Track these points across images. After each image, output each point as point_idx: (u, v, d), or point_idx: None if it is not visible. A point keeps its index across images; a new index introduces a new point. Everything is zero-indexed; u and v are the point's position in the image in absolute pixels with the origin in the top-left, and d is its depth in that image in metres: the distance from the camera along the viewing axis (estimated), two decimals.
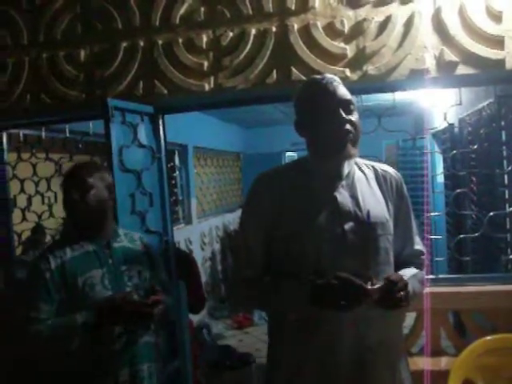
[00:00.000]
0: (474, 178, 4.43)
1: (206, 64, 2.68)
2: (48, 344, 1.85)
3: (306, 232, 1.58)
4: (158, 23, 2.72)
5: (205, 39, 2.68)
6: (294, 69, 2.57)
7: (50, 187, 3.35)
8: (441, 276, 3.01)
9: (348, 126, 1.58)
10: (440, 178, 5.62)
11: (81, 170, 2.05)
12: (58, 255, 1.95)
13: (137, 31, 2.75)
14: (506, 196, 3.38)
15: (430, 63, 2.48)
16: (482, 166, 4.05)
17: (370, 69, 2.52)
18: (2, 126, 3.14)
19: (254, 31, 2.62)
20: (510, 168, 3.04)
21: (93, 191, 1.98)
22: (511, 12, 2.39)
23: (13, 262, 3.25)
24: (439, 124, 3.82)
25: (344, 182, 1.65)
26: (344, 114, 1.58)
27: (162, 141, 2.92)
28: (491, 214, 3.02)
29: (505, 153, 3.31)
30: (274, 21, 2.61)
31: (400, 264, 1.70)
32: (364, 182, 1.69)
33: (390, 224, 1.67)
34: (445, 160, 5.38)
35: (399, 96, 2.93)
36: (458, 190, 3.58)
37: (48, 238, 4.09)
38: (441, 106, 3.37)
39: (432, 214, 3.29)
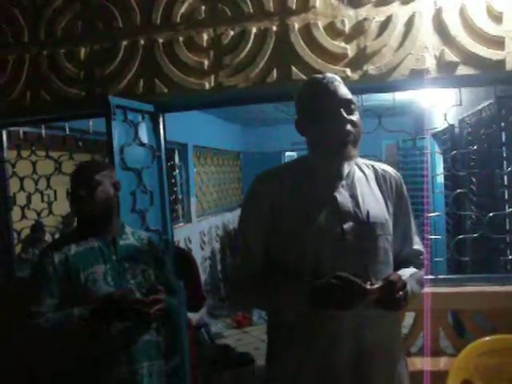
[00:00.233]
0: (473, 179, 4.43)
1: (206, 63, 2.68)
2: (46, 337, 1.86)
3: (305, 231, 1.57)
4: (158, 22, 2.72)
5: (205, 38, 2.68)
6: (294, 68, 2.57)
7: (49, 185, 3.35)
8: (440, 276, 3.01)
9: (349, 127, 1.58)
10: (440, 179, 5.62)
11: (88, 167, 2.08)
12: (62, 250, 1.97)
13: (137, 29, 2.75)
14: (506, 197, 3.38)
15: (430, 63, 2.48)
16: (482, 166, 4.05)
17: (370, 68, 2.52)
18: (1, 123, 3.14)
19: (254, 30, 2.62)
20: (509, 169, 3.04)
21: (100, 188, 2.00)
22: None
23: (12, 260, 3.26)
24: (439, 124, 3.82)
25: (344, 182, 1.65)
26: (345, 114, 1.58)
27: (162, 139, 2.93)
28: (491, 214, 3.02)
29: (505, 153, 3.31)
30: (274, 20, 2.61)
31: (399, 264, 1.70)
32: (364, 182, 1.69)
33: (390, 224, 1.66)
34: (445, 160, 5.38)
35: (399, 96, 2.94)
36: (458, 191, 3.58)
37: (47, 236, 4.10)
38: (441, 107, 3.37)
39: (432, 214, 3.29)
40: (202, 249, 7.17)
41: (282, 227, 1.61)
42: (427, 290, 2.60)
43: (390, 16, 2.50)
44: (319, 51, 2.57)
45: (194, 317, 4.51)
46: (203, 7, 2.67)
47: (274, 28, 2.60)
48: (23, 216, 3.35)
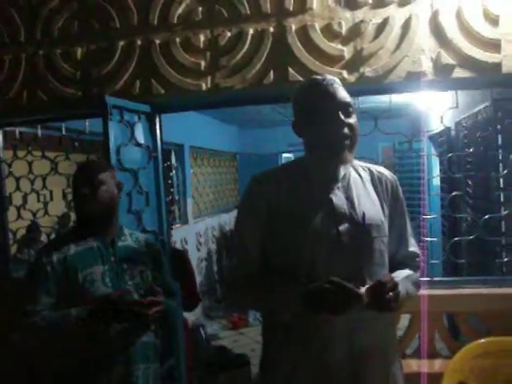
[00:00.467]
0: (469, 181, 4.44)
1: (203, 64, 2.68)
2: (42, 336, 1.85)
3: (301, 233, 1.57)
4: (155, 22, 2.72)
5: (202, 39, 2.68)
6: (291, 69, 2.57)
7: (45, 185, 3.35)
8: (436, 278, 3.02)
9: (346, 130, 1.58)
10: (436, 181, 5.64)
11: (91, 166, 2.08)
12: (60, 249, 1.96)
13: (134, 30, 2.75)
14: (502, 199, 3.39)
15: (426, 66, 2.48)
16: (478, 169, 4.06)
17: (367, 71, 2.53)
18: None
19: (251, 31, 2.62)
20: (505, 171, 3.05)
21: (103, 187, 2.00)
22: (508, 16, 2.40)
23: (7, 260, 3.25)
24: (436, 127, 3.82)
25: (340, 184, 1.65)
26: (343, 117, 1.57)
27: (159, 140, 2.92)
28: (486, 216, 3.03)
29: (501, 156, 3.32)
30: (271, 21, 2.61)
31: (395, 266, 1.70)
32: (360, 184, 1.69)
33: (385, 226, 1.67)
34: (441, 163, 5.39)
35: (396, 98, 2.94)
36: (454, 193, 3.58)
37: (43, 236, 4.09)
38: (437, 109, 3.38)
39: (428, 216, 3.29)
40: (198, 250, 7.17)
41: (277, 229, 1.61)
42: (423, 292, 2.61)
43: (387, 18, 2.50)
44: (316, 53, 2.57)
45: (189, 318, 4.50)
46: (200, 8, 2.68)
47: (271, 29, 2.60)
48: (19, 216, 3.34)
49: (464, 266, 3.99)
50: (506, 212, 3.10)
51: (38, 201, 3.39)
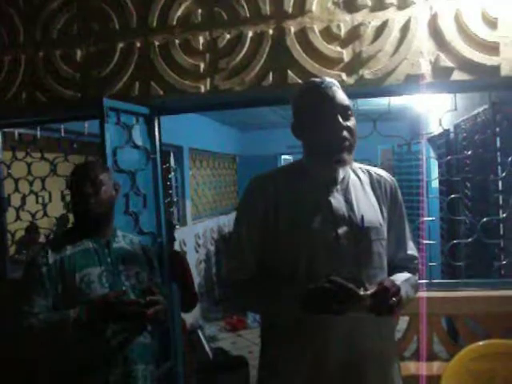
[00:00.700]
0: (468, 184, 4.44)
1: (202, 66, 2.68)
2: (39, 338, 1.85)
3: (299, 235, 1.58)
4: (154, 24, 2.72)
5: (201, 41, 2.68)
6: (290, 72, 2.57)
7: (44, 187, 3.35)
8: (434, 281, 3.02)
9: (345, 133, 1.58)
10: (435, 184, 5.63)
11: (92, 166, 2.07)
12: (56, 250, 1.96)
13: (134, 32, 2.75)
14: (500, 202, 3.39)
15: (425, 68, 2.48)
16: (477, 171, 4.06)
17: (366, 73, 2.53)
18: None
19: (250, 34, 2.62)
20: (504, 174, 3.05)
21: (104, 188, 2.00)
22: (507, 19, 2.40)
23: (5, 261, 3.24)
24: (434, 129, 3.83)
25: (339, 187, 1.65)
26: (342, 121, 1.58)
27: (158, 142, 2.92)
28: (485, 219, 3.03)
29: (499, 159, 3.32)
30: (270, 24, 2.61)
31: (393, 268, 1.71)
32: (359, 187, 1.69)
33: (384, 229, 1.67)
34: (440, 165, 5.39)
35: (394, 101, 2.94)
36: (453, 196, 3.59)
37: (42, 238, 4.08)
38: (436, 112, 3.38)
39: (426, 218, 3.29)
40: (197, 252, 7.17)
41: (276, 231, 1.61)
42: (421, 294, 2.61)
43: (386, 21, 2.51)
44: (315, 55, 2.57)
45: (188, 320, 4.50)
46: (199, 10, 2.68)
47: (270, 32, 2.61)
48: (18, 217, 3.34)
49: (462, 269, 4.00)
50: (505, 215, 3.10)
51: (37, 202, 3.39)
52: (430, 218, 3.38)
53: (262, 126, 9.19)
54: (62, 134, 3.28)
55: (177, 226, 6.39)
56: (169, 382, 2.76)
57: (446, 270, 4.66)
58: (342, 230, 1.59)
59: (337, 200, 1.63)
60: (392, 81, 2.52)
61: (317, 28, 2.57)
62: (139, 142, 2.79)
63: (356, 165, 1.75)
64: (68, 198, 2.96)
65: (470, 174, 4.26)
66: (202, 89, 2.68)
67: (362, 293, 1.43)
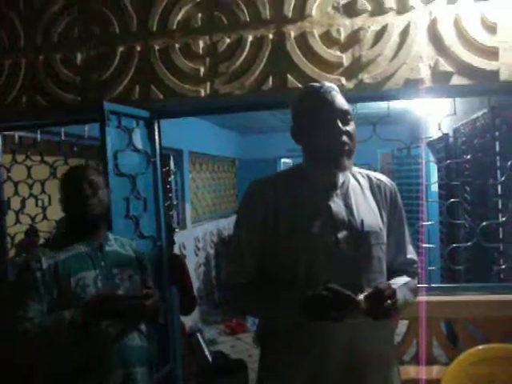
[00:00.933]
0: (467, 188, 4.44)
1: (202, 70, 2.69)
2: (36, 342, 1.84)
3: (299, 240, 1.58)
4: (154, 28, 2.72)
5: (201, 45, 2.68)
6: (290, 76, 2.58)
7: (44, 190, 3.35)
8: (433, 285, 3.02)
9: (344, 138, 1.58)
10: (434, 187, 5.64)
11: (88, 169, 2.07)
12: (50, 255, 1.95)
13: (134, 36, 2.75)
14: (499, 206, 3.40)
15: (424, 73, 2.49)
16: (476, 175, 4.07)
17: (365, 77, 2.53)
18: None
19: (250, 38, 2.63)
20: (503, 178, 3.06)
21: (101, 191, 2.02)
22: (506, 24, 2.41)
23: (6, 264, 3.24)
24: (434, 133, 3.83)
25: (338, 191, 1.65)
26: (341, 125, 1.58)
27: (158, 145, 2.92)
28: (484, 223, 3.03)
29: (498, 163, 3.33)
30: (270, 28, 2.62)
31: (393, 272, 1.71)
32: (358, 191, 1.69)
33: (384, 233, 1.67)
34: (439, 169, 5.40)
35: (394, 104, 2.95)
36: (452, 200, 3.59)
37: (41, 241, 4.08)
38: (435, 116, 3.39)
39: (426, 222, 3.30)
40: (197, 255, 7.17)
41: (275, 235, 1.62)
42: (421, 298, 2.61)
43: (386, 26, 2.51)
44: (315, 60, 2.58)
45: (187, 323, 4.50)
46: (200, 15, 2.68)
47: (270, 36, 2.61)
48: (17, 221, 3.34)
49: (462, 273, 4.00)
50: (504, 219, 3.10)
51: (37, 205, 3.39)
52: (430, 222, 3.39)
53: (261, 129, 9.20)
54: (63, 138, 3.29)
55: (176, 230, 6.40)
56: None
57: (445, 274, 4.66)
58: (341, 235, 1.59)
59: (336, 204, 1.63)
60: (391, 85, 2.53)
61: (316, 32, 2.57)
62: (139, 146, 2.79)
63: (356, 169, 1.75)
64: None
65: (469, 178, 4.27)
66: (202, 93, 2.68)
67: (359, 299, 1.44)
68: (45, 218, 3.37)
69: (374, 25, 2.53)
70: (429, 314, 2.70)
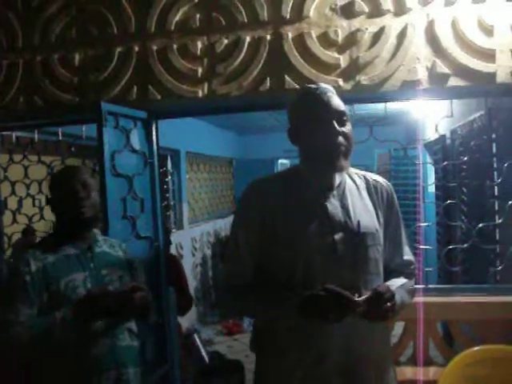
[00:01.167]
0: (464, 189, 4.45)
1: (200, 70, 2.69)
2: (28, 345, 1.83)
3: (296, 241, 1.58)
4: (153, 29, 2.72)
5: (199, 46, 2.68)
6: (287, 77, 2.58)
7: (41, 190, 3.34)
8: (430, 286, 3.02)
9: (340, 139, 1.59)
10: (431, 189, 5.65)
11: (81, 170, 2.05)
12: (39, 258, 1.92)
13: (132, 36, 2.75)
14: (496, 207, 3.40)
15: (422, 75, 2.50)
16: (473, 177, 4.08)
17: (362, 79, 2.54)
18: None
19: (248, 39, 2.63)
20: (500, 180, 3.06)
21: (93, 192, 2.00)
22: (503, 26, 2.42)
23: (1, 264, 3.24)
24: (431, 135, 3.84)
25: (335, 192, 1.66)
26: (337, 126, 1.58)
27: (155, 146, 2.92)
28: (481, 225, 3.04)
29: (495, 165, 3.33)
30: (268, 29, 2.62)
31: (389, 274, 1.71)
32: (355, 193, 1.69)
33: (380, 234, 1.67)
34: (436, 171, 5.41)
35: (391, 105, 2.95)
36: (449, 201, 3.60)
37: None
38: (432, 117, 3.40)
39: (422, 224, 3.30)
40: (193, 255, 7.16)
41: (273, 236, 1.62)
42: (417, 299, 2.61)
43: (383, 27, 2.52)
44: (312, 61, 2.58)
45: (184, 324, 4.50)
46: (198, 15, 2.69)
47: (268, 37, 2.61)
48: (14, 220, 3.33)
49: (458, 274, 4.01)
50: (501, 220, 3.11)
51: (34, 205, 3.39)
52: (427, 223, 3.40)
53: (258, 129, 9.21)
54: (60, 137, 3.28)
55: (173, 230, 6.40)
56: None
57: (442, 275, 4.67)
58: (338, 236, 1.60)
59: (333, 205, 1.63)
60: (388, 87, 2.53)
61: (314, 34, 2.58)
62: (137, 146, 2.79)
63: (352, 170, 1.75)
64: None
65: (466, 180, 4.28)
66: (200, 93, 2.68)
67: (356, 299, 1.44)
68: (42, 217, 3.37)
69: (371, 26, 2.54)
70: (425, 315, 2.71)
